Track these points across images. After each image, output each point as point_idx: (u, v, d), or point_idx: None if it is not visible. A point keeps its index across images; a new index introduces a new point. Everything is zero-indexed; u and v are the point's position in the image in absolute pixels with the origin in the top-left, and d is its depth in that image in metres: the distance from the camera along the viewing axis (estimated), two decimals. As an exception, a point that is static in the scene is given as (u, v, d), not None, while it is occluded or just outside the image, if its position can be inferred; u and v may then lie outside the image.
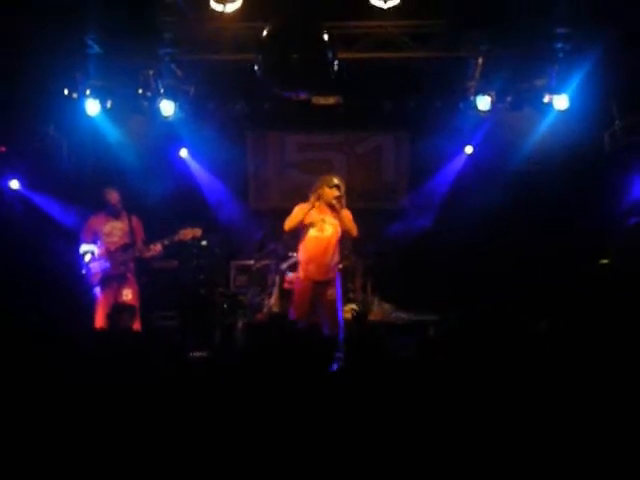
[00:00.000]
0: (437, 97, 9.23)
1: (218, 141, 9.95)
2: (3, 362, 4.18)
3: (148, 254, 7.29)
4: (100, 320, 7.10)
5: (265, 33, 6.31)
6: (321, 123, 10.23)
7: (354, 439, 3.04)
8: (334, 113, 9.54)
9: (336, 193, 6.68)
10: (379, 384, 3.59)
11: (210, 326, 8.69)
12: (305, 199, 6.92)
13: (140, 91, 8.62)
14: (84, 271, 7.21)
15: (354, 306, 9.03)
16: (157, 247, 7.25)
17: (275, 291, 9.04)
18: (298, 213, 6.73)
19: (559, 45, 7.90)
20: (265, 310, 9.10)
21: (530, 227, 9.27)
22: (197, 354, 6.85)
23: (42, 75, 7.99)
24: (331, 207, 6.70)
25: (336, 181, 6.75)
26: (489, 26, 7.72)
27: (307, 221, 6.73)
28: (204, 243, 9.23)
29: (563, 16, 7.58)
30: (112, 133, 9.26)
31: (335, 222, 6.73)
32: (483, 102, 8.59)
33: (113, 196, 7.33)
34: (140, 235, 7.41)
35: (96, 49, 8.00)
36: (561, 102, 8.36)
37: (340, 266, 8.89)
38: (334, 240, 6.74)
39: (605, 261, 8.49)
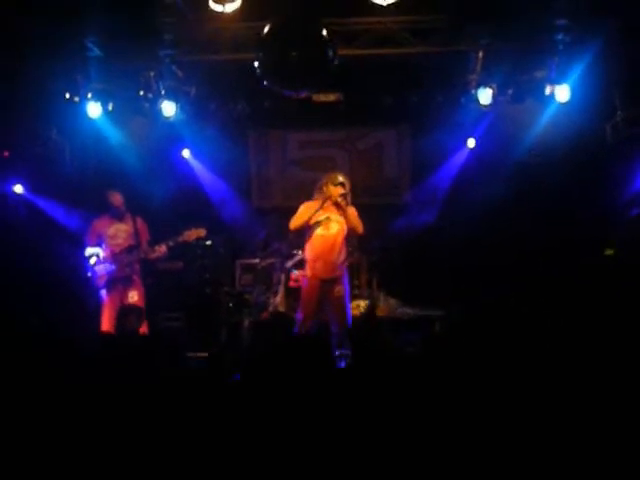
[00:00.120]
0: (438, 92, 9.22)
1: (220, 141, 9.95)
2: (8, 365, 4.19)
3: (153, 255, 7.30)
4: (106, 323, 7.11)
5: (264, 32, 6.31)
6: (322, 120, 10.22)
7: (360, 436, 3.05)
8: (335, 110, 9.54)
9: (341, 191, 6.68)
10: (385, 381, 3.59)
11: (216, 325, 8.71)
12: (308, 197, 6.92)
13: (141, 93, 8.63)
14: (89, 274, 7.22)
15: (361, 302, 9.04)
16: (162, 248, 7.25)
17: (281, 289, 9.05)
18: (304, 213, 6.72)
19: (559, 37, 7.89)
20: (271, 309, 9.11)
21: (532, 219, 9.26)
22: (197, 354, 6.89)
23: (43, 79, 8.01)
24: (336, 205, 6.69)
25: (341, 179, 6.74)
26: (489, 19, 7.71)
27: (312, 220, 6.72)
28: (208, 243, 9.25)
29: (563, 8, 7.57)
30: (114, 135, 9.27)
31: (341, 220, 6.73)
32: (484, 95, 8.57)
33: (117, 198, 7.34)
34: (145, 237, 7.42)
35: (96, 52, 8.02)
36: (562, 94, 8.34)
37: (346, 263, 8.94)
38: (340, 238, 6.73)
39: (610, 252, 8.48)
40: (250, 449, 2.96)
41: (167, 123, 9.12)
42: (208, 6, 6.85)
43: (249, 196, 10.92)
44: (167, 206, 9.32)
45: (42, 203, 9.13)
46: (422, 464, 2.92)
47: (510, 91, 8.71)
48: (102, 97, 8.60)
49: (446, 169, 10.28)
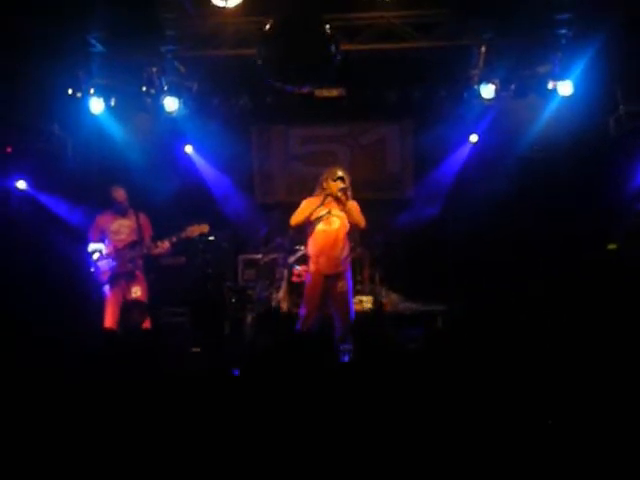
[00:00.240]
0: (441, 87, 9.22)
1: (223, 136, 9.94)
2: (11, 361, 4.21)
3: (156, 251, 7.29)
4: (109, 318, 7.12)
5: (267, 27, 6.31)
6: (325, 115, 10.22)
7: (364, 431, 3.06)
8: (337, 105, 9.53)
9: (341, 185, 6.66)
10: (387, 376, 3.60)
11: (219, 320, 8.72)
12: (311, 192, 6.91)
13: (144, 88, 8.65)
14: (92, 270, 7.22)
15: (363, 297, 9.05)
16: (165, 244, 7.25)
17: (283, 285, 9.05)
18: (305, 208, 6.72)
19: (562, 31, 7.90)
20: (273, 304, 9.12)
21: (535, 214, 9.25)
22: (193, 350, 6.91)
23: (46, 75, 8.02)
24: (337, 199, 6.68)
25: (340, 173, 6.72)
26: (491, 14, 7.71)
27: (313, 216, 6.71)
28: (211, 238, 9.24)
29: (565, 2, 7.58)
30: (117, 131, 9.28)
31: (342, 215, 6.71)
32: (487, 90, 8.58)
33: (120, 194, 7.34)
34: (148, 232, 7.41)
35: (99, 48, 8.03)
36: (565, 88, 8.33)
37: (350, 258, 8.94)
38: (342, 233, 6.72)
39: (613, 246, 8.48)
40: (255, 443, 2.97)
41: (170, 119, 9.13)
42: (210, 1, 6.85)
43: (252, 191, 10.91)
44: (170, 201, 9.32)
45: (45, 199, 9.13)
46: (424, 459, 2.93)
47: (513, 86, 8.71)
48: (105, 93, 8.61)
49: (449, 164, 10.27)
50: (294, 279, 8.84)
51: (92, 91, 8.48)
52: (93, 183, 9.02)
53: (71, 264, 7.92)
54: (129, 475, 2.95)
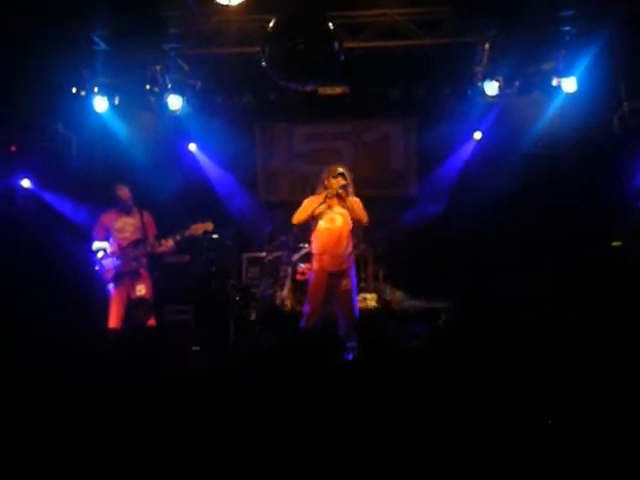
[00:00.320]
0: (445, 84, 9.23)
1: (226, 134, 9.96)
2: (15, 359, 4.22)
3: (160, 249, 7.29)
4: (114, 316, 7.12)
5: (270, 25, 6.30)
6: (328, 113, 10.23)
7: (366, 429, 3.06)
8: (341, 103, 9.54)
9: (341, 182, 6.64)
10: (390, 375, 3.60)
11: (223, 319, 8.72)
12: (314, 190, 6.91)
13: (147, 87, 8.66)
14: (97, 268, 7.23)
15: (367, 295, 9.06)
16: (169, 242, 7.24)
17: (287, 283, 9.07)
18: (307, 207, 6.71)
19: (566, 28, 7.88)
20: (278, 302, 9.13)
21: (539, 211, 9.26)
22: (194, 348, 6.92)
23: (50, 73, 8.02)
24: (338, 196, 6.68)
25: (340, 170, 6.70)
26: (495, 11, 7.69)
27: (316, 214, 6.71)
28: (215, 236, 9.25)
29: (569, -1, 7.57)
30: (121, 129, 9.30)
31: (344, 212, 6.69)
32: (491, 87, 8.57)
33: (124, 192, 7.33)
34: (152, 230, 7.41)
35: (102, 46, 8.04)
36: (569, 85, 8.32)
37: (353, 256, 8.94)
38: (345, 230, 6.70)
39: (618, 243, 8.47)
40: (260, 440, 2.97)
41: (173, 117, 9.15)
42: (214, -1, 6.85)
43: (256, 189, 10.94)
44: (174, 200, 9.33)
45: (49, 197, 9.15)
46: (427, 457, 2.93)
47: (517, 83, 8.72)
48: (108, 91, 8.63)
49: (453, 161, 10.28)
50: (298, 277, 8.85)
51: (96, 89, 8.50)
52: (97, 181, 9.02)
53: (75, 262, 7.92)
54: (135, 473, 2.95)
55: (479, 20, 7.95)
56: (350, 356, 6.10)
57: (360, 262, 9.24)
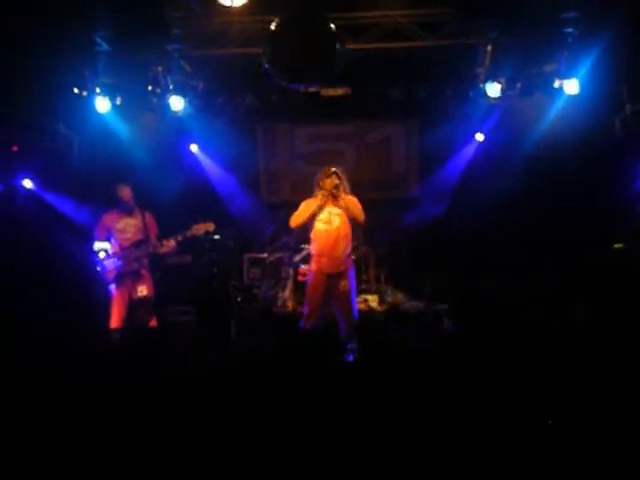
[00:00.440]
0: (446, 85, 9.24)
1: (228, 135, 9.97)
2: (16, 360, 4.22)
3: (162, 250, 7.29)
4: (116, 317, 7.12)
5: (273, 26, 6.30)
6: (330, 114, 10.24)
7: (366, 431, 3.06)
8: (343, 104, 9.53)
9: (335, 182, 6.64)
10: (391, 376, 3.60)
11: (225, 319, 8.71)
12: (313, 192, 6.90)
13: (149, 87, 8.67)
14: (98, 269, 7.23)
15: (368, 297, 9.05)
16: (171, 243, 7.25)
17: (289, 284, 9.07)
18: (304, 210, 6.70)
19: (568, 30, 7.88)
20: (279, 303, 9.13)
21: (541, 213, 9.25)
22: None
23: (51, 74, 8.02)
24: (332, 196, 6.67)
25: (333, 169, 6.70)
26: (497, 13, 7.69)
27: (313, 216, 6.71)
28: (217, 237, 9.25)
29: (571, 1, 7.55)
30: (122, 130, 9.30)
31: (340, 212, 6.68)
32: (493, 89, 8.57)
33: (126, 193, 7.34)
34: (154, 231, 7.41)
35: (105, 46, 8.04)
36: (571, 87, 8.32)
37: (353, 257, 8.93)
38: (343, 231, 6.68)
39: (619, 245, 8.47)
40: (262, 440, 2.97)
41: (175, 117, 9.15)
42: (216, 0, 6.84)
43: (257, 190, 10.95)
44: (175, 200, 9.33)
45: (50, 197, 9.15)
46: (429, 456, 2.93)
47: (519, 85, 8.71)
48: (110, 92, 8.63)
49: (454, 163, 10.28)
50: (300, 278, 8.85)
51: (98, 90, 8.50)
52: (99, 182, 8.99)
53: (77, 263, 7.92)
54: (137, 472, 2.95)
55: (481, 22, 7.95)
56: (351, 358, 6.09)
57: (361, 264, 9.25)
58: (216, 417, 3.23)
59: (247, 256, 10.01)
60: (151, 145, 9.60)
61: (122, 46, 8.04)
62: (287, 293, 9.08)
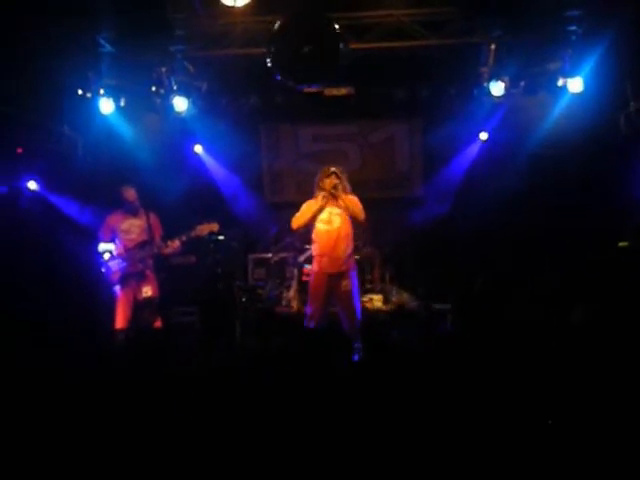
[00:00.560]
0: (450, 84, 9.23)
1: (232, 135, 9.98)
2: (22, 361, 4.22)
3: (166, 250, 7.30)
4: (120, 318, 7.13)
5: (276, 26, 6.30)
6: (334, 114, 10.24)
7: (373, 430, 3.06)
8: (346, 104, 9.53)
9: (334, 181, 6.64)
10: (396, 375, 3.60)
11: (229, 320, 8.72)
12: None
13: (153, 88, 8.67)
14: (103, 270, 7.24)
15: (374, 296, 9.05)
16: (175, 243, 7.25)
17: (294, 284, 9.07)
18: (305, 212, 6.70)
19: (572, 28, 7.85)
20: (284, 303, 9.13)
21: (546, 211, 9.22)
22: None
23: (55, 75, 8.03)
24: (332, 196, 6.67)
25: (332, 169, 6.70)
26: (501, 11, 7.68)
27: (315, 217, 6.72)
28: (221, 237, 9.25)
29: (575, -1, 7.56)
30: (126, 131, 9.30)
31: (340, 212, 6.68)
32: (497, 88, 8.55)
33: (130, 193, 7.35)
34: (158, 232, 7.42)
35: (108, 48, 8.05)
36: (575, 85, 8.30)
37: (357, 257, 8.93)
38: (344, 231, 6.67)
39: (624, 244, 8.45)
40: (269, 440, 2.97)
41: (179, 118, 9.15)
42: (219, 1, 6.83)
43: (261, 191, 10.96)
44: (180, 201, 9.35)
45: (55, 199, 9.16)
46: (431, 455, 2.93)
47: (523, 83, 8.70)
48: (114, 93, 8.64)
49: (458, 162, 10.28)
50: (304, 278, 8.84)
51: (102, 91, 8.50)
52: (103, 183, 9.00)
53: (81, 264, 7.93)
54: (141, 471, 2.96)
55: (485, 20, 7.94)
56: (356, 357, 6.10)
57: (366, 264, 9.25)
58: (222, 417, 3.23)
59: (252, 256, 10.03)
60: (155, 146, 9.60)
61: (126, 47, 8.05)
62: (292, 293, 9.08)
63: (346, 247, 6.69)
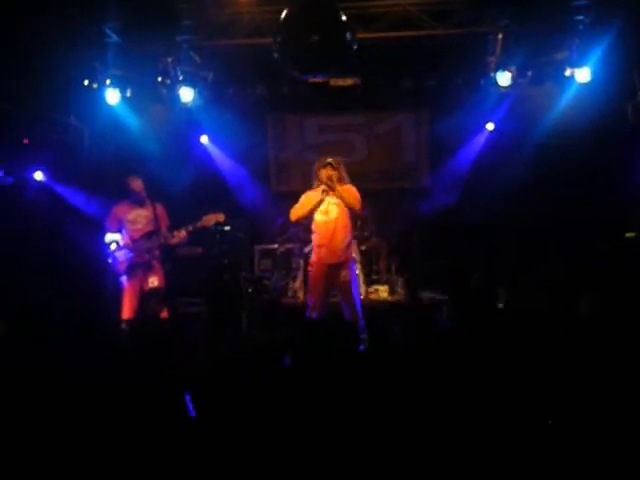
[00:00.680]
0: (457, 74, 9.20)
1: (238, 126, 9.96)
2: (27, 351, 4.23)
3: (173, 241, 7.31)
4: (127, 308, 7.15)
5: (282, 16, 6.28)
6: (340, 104, 10.22)
7: (379, 422, 3.06)
8: (353, 94, 9.51)
9: (330, 172, 6.62)
10: (400, 366, 3.60)
11: (236, 311, 8.73)
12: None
13: (159, 79, 8.66)
14: (110, 260, 7.25)
15: (380, 287, 9.05)
16: (181, 234, 7.27)
17: (300, 275, 9.07)
18: (305, 203, 6.69)
19: (579, 17, 7.82)
20: (290, 294, 9.14)
21: (553, 202, 9.20)
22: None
23: (62, 66, 8.04)
24: (329, 187, 6.64)
25: (328, 160, 6.68)
26: (508, 1, 7.66)
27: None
28: (227, 228, 9.25)
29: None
30: (133, 122, 9.30)
31: (338, 202, 6.66)
32: (504, 78, 8.52)
33: (137, 184, 7.35)
34: (164, 222, 7.43)
35: (115, 38, 8.05)
36: (583, 75, 8.26)
37: (363, 248, 8.91)
38: (342, 221, 6.64)
39: (631, 234, 8.43)
40: (277, 433, 2.98)
41: (185, 109, 9.16)
42: (226, -9, 6.85)
43: (267, 181, 10.95)
44: (186, 192, 9.35)
45: (62, 190, 9.17)
46: (432, 453, 2.94)
47: (530, 73, 8.66)
48: (120, 83, 8.63)
49: (465, 152, 10.26)
50: (310, 269, 8.85)
51: (108, 82, 8.50)
52: (109, 173, 9.00)
53: (88, 255, 7.95)
54: (146, 469, 2.96)
55: (492, 10, 7.91)
56: (362, 347, 6.10)
57: (372, 254, 9.25)
58: (229, 409, 3.23)
59: (258, 247, 10.04)
60: (161, 136, 9.60)
61: (132, 37, 8.04)
62: (298, 284, 9.09)
63: (344, 237, 6.67)
